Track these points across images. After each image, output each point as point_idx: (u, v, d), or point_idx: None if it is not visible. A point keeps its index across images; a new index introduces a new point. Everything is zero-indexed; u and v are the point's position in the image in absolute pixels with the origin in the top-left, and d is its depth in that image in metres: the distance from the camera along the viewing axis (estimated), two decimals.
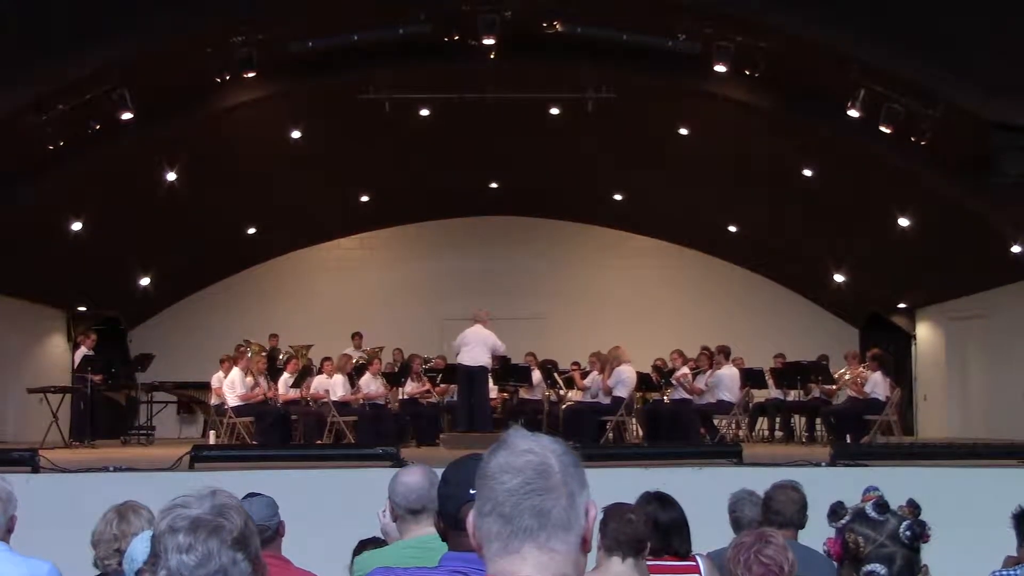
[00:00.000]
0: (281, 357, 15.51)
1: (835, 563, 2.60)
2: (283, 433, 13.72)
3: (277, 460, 9.88)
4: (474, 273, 19.20)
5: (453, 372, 14.21)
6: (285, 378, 14.53)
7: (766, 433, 15.54)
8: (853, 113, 11.85)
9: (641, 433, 14.55)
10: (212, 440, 14.08)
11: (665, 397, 14.79)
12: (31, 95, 11.09)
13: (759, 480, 5.15)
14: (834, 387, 15.00)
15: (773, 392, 15.42)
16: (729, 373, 14.36)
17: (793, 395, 15.22)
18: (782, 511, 4.70)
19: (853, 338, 18.53)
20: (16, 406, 15.18)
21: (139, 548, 3.30)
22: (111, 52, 11.09)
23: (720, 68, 11.79)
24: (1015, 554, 4.09)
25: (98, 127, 11.85)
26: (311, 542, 5.16)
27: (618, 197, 18.37)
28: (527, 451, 1.65)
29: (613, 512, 3.79)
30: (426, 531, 3.43)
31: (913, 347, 18.72)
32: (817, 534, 3.14)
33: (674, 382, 14.41)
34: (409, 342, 16.59)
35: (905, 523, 2.49)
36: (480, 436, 11.97)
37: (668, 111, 14.69)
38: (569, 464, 1.65)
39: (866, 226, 15.87)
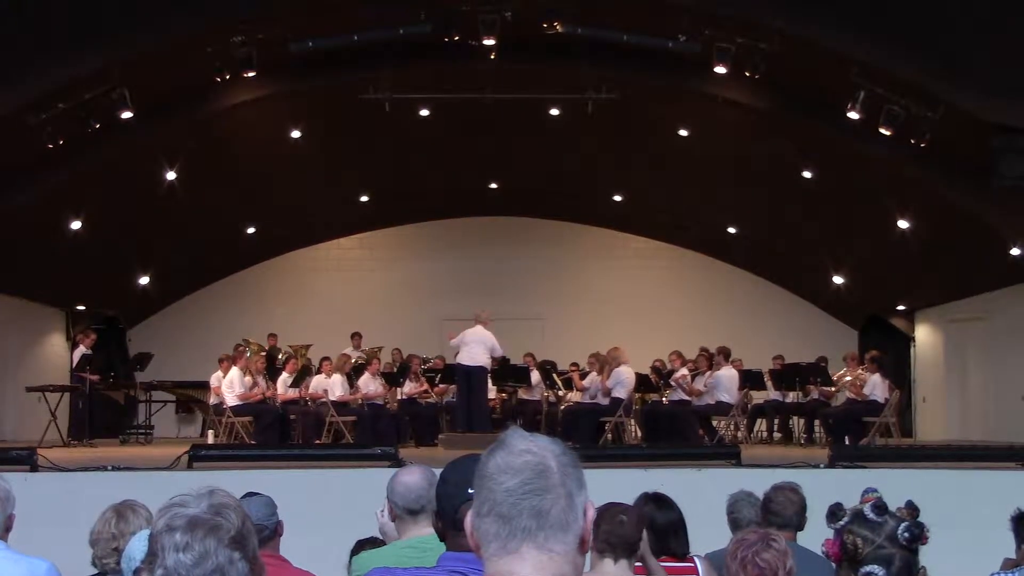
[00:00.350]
0: (280, 357, 15.51)
1: (833, 564, 2.60)
2: (282, 433, 13.72)
3: (275, 460, 9.88)
4: (473, 273, 19.20)
5: (452, 372, 14.21)
6: (284, 378, 14.53)
7: (765, 434, 15.54)
8: (853, 115, 11.85)
9: (640, 434, 14.55)
10: (211, 440, 14.07)
11: (664, 398, 14.80)
12: (31, 95, 11.09)
13: (758, 481, 5.15)
14: (833, 389, 15.01)
15: (772, 394, 15.42)
16: (728, 374, 14.36)
17: (792, 397, 15.22)
18: (781, 512, 4.70)
19: (852, 340, 18.52)
20: (14, 405, 15.18)
21: (137, 547, 3.30)
22: (111, 52, 11.09)
23: (720, 69, 11.79)
24: (1013, 556, 4.09)
25: (98, 126, 11.85)
26: (309, 542, 5.16)
27: (617, 198, 18.38)
28: (525, 451, 1.65)
29: (604, 513, 3.74)
30: (424, 531, 3.43)
31: (912, 349, 18.71)
32: (816, 535, 3.13)
33: (673, 383, 14.42)
34: (408, 342, 16.59)
35: (904, 525, 2.49)
36: (479, 436, 11.97)
37: (668, 112, 14.69)
38: (567, 464, 1.65)
39: (865, 228, 15.87)
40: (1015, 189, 11.35)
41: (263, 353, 15.23)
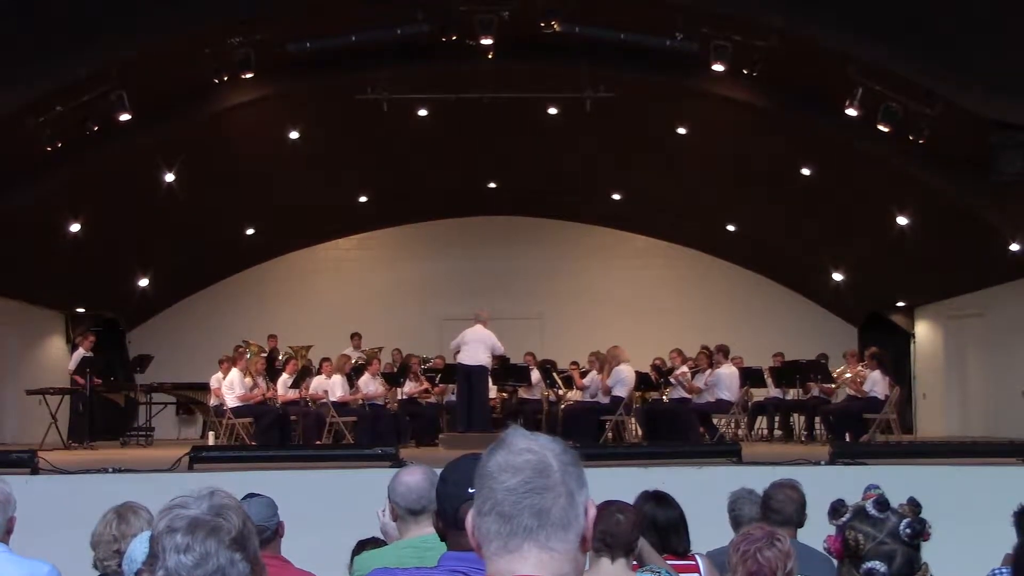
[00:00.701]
0: (280, 358, 15.51)
1: (835, 561, 2.60)
2: (282, 434, 13.71)
3: (276, 461, 9.88)
4: (473, 273, 19.19)
5: (452, 372, 14.21)
6: (284, 379, 14.52)
7: (765, 432, 15.54)
8: (851, 112, 11.84)
9: (640, 432, 14.54)
10: (211, 441, 14.07)
11: (664, 396, 14.80)
12: (30, 96, 11.08)
13: (758, 479, 5.15)
14: (833, 386, 15.02)
15: (772, 391, 15.42)
16: (728, 372, 14.35)
17: (792, 394, 15.21)
18: (781, 510, 4.70)
19: (852, 337, 18.53)
20: (15, 407, 15.18)
21: (138, 549, 3.30)
22: (109, 52, 11.09)
23: (718, 67, 11.79)
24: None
25: (96, 128, 11.85)
26: (310, 542, 5.16)
27: (617, 197, 18.37)
28: (526, 450, 1.65)
29: (602, 512, 3.72)
30: (426, 531, 3.43)
31: (912, 345, 18.72)
32: (817, 532, 3.14)
33: (673, 381, 14.42)
34: (408, 342, 16.59)
35: (905, 521, 2.49)
36: (479, 436, 11.97)
37: (666, 111, 14.69)
38: (568, 463, 1.65)
39: (865, 225, 15.88)
40: (1014, 185, 11.37)
41: (263, 354, 15.23)
